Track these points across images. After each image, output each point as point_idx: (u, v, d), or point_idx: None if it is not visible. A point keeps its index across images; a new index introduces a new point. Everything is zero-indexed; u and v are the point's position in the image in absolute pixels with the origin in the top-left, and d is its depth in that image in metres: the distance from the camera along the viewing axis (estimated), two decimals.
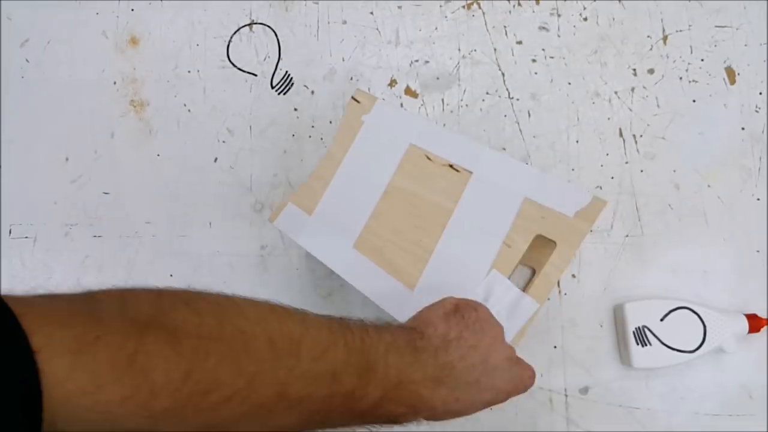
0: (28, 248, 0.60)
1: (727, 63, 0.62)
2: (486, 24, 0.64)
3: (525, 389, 0.36)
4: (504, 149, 0.61)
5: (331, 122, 0.62)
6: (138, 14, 0.65)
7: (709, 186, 0.59)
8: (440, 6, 0.64)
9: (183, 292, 0.25)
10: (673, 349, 0.53)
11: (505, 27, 0.64)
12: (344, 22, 0.64)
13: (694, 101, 0.61)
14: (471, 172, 0.44)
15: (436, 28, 0.64)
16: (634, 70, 0.62)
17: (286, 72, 0.63)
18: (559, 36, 0.63)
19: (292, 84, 0.63)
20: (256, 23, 0.64)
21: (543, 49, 0.63)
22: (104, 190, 0.61)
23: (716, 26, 0.63)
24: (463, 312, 0.35)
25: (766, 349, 0.56)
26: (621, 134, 0.61)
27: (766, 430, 0.54)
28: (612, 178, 0.60)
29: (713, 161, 0.60)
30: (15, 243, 0.60)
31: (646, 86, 0.62)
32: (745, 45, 0.62)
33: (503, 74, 0.62)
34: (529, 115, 0.61)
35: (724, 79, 0.62)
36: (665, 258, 0.58)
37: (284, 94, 0.63)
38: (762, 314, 0.55)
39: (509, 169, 0.43)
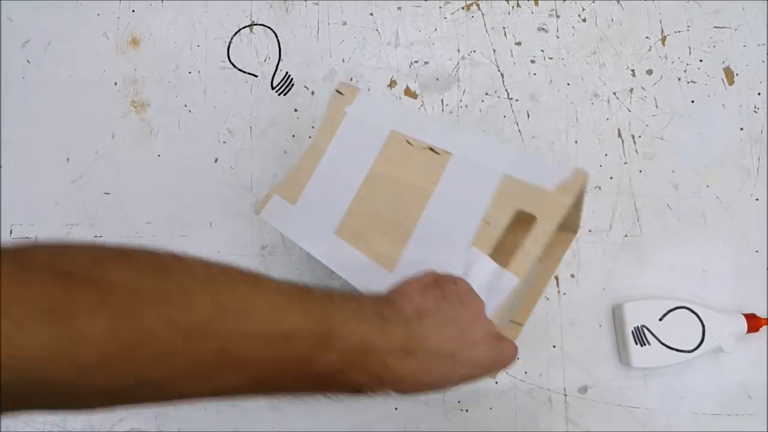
0: None
1: (726, 63, 0.62)
2: (485, 25, 0.64)
3: (506, 365, 0.35)
4: None
5: None
6: (139, 15, 0.65)
7: (707, 186, 0.59)
8: (440, 7, 0.64)
9: (126, 247, 0.24)
10: (672, 348, 0.53)
11: (504, 28, 0.64)
12: (344, 23, 0.64)
13: (692, 102, 0.61)
14: (450, 154, 0.43)
15: (436, 29, 0.64)
16: (633, 70, 0.62)
17: (287, 73, 0.63)
18: (557, 37, 0.63)
19: (293, 85, 0.63)
20: (256, 24, 0.65)
21: (542, 50, 0.63)
22: (105, 191, 0.62)
23: (715, 27, 0.63)
24: (442, 284, 0.34)
25: (765, 348, 0.56)
26: (620, 135, 0.61)
27: (765, 430, 0.54)
28: (611, 178, 0.60)
29: (712, 161, 0.60)
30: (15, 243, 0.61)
31: (645, 87, 0.62)
32: (744, 46, 0.62)
33: (502, 75, 0.63)
34: (528, 116, 0.62)
35: (722, 79, 0.62)
36: (664, 258, 0.58)
37: (284, 94, 0.63)
38: (761, 314, 0.55)
39: (489, 148, 0.42)
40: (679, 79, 0.62)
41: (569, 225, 0.51)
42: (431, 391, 0.31)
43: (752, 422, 0.55)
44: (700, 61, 0.62)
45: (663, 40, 0.63)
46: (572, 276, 0.58)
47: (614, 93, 0.62)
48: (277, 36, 0.64)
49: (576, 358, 0.56)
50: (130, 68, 0.64)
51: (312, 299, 0.27)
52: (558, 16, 0.64)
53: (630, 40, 0.63)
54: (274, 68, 0.64)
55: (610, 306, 0.57)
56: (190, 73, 0.64)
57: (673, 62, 0.62)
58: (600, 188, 0.60)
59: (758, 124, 0.61)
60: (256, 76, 0.64)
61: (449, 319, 0.32)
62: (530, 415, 0.55)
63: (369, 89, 0.63)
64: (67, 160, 0.62)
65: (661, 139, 0.61)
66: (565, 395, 0.56)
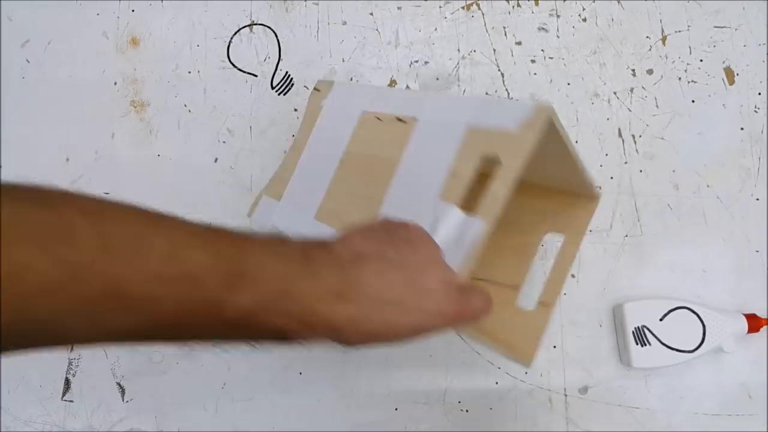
0: None
1: (726, 63, 0.62)
2: (485, 25, 0.64)
3: (474, 317, 0.32)
4: None
5: None
6: (138, 15, 0.65)
7: (708, 186, 0.59)
8: (440, 7, 0.64)
9: (9, 183, 0.23)
10: (673, 348, 0.53)
11: (504, 28, 0.64)
12: (344, 23, 0.64)
13: (693, 101, 0.61)
14: (416, 119, 0.42)
15: (436, 29, 0.64)
16: (633, 70, 0.62)
17: (286, 73, 0.63)
18: (558, 37, 0.63)
19: (292, 84, 0.63)
20: (256, 24, 0.65)
21: (542, 50, 0.63)
22: (105, 191, 0.61)
23: (715, 27, 0.63)
24: (390, 229, 0.32)
25: (765, 348, 0.56)
26: (620, 134, 0.61)
27: (765, 430, 0.54)
28: (611, 178, 0.60)
29: (712, 161, 0.60)
30: None
31: (645, 87, 0.62)
32: (744, 45, 0.62)
33: (502, 75, 0.63)
34: None
35: (723, 79, 0.62)
36: (664, 258, 0.58)
37: (284, 94, 0.63)
38: (761, 314, 0.55)
39: (453, 104, 0.41)
40: (680, 78, 0.62)
41: (577, 187, 0.47)
42: (378, 342, 0.29)
43: (752, 422, 0.55)
44: (701, 60, 0.62)
45: (663, 39, 0.63)
46: (573, 276, 0.58)
47: (615, 93, 0.62)
48: (277, 36, 0.64)
49: (576, 358, 0.56)
50: (130, 68, 0.64)
51: (223, 238, 0.26)
52: (558, 16, 0.64)
53: (630, 40, 0.63)
54: (274, 68, 0.64)
55: (611, 306, 0.57)
56: (189, 72, 0.64)
57: (673, 62, 0.62)
58: (600, 188, 0.59)
59: (759, 124, 0.61)
60: (255, 75, 0.63)
61: (395, 264, 0.29)
62: (530, 416, 0.55)
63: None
64: (67, 160, 0.62)
65: (662, 138, 0.61)
66: (566, 395, 0.56)
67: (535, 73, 0.62)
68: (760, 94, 0.61)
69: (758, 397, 0.55)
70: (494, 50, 0.63)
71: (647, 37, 0.63)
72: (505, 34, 0.64)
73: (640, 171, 0.60)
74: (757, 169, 0.60)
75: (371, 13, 0.64)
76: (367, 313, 0.27)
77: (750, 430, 0.55)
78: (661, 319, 0.54)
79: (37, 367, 0.57)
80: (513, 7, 0.64)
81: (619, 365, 0.56)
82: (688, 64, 0.62)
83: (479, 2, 0.64)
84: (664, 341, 0.53)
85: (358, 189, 0.44)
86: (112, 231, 0.23)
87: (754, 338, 0.55)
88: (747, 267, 0.58)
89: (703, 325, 0.54)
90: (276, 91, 0.63)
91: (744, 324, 0.54)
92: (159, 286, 0.23)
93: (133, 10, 0.65)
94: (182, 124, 0.63)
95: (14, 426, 0.57)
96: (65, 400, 0.57)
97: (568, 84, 0.62)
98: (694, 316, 0.54)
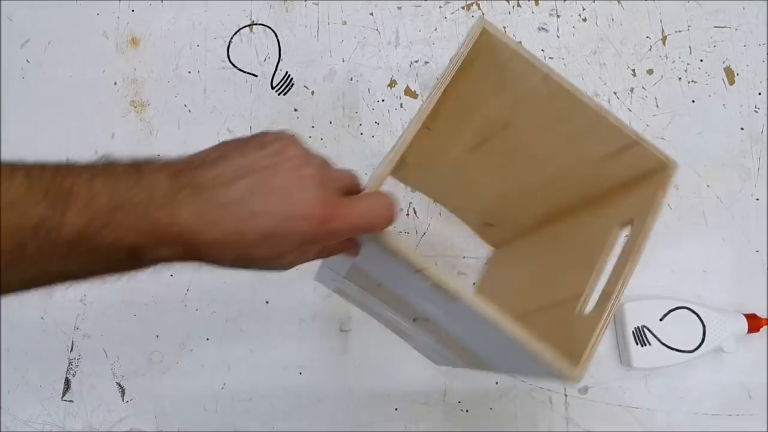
0: None
1: (726, 63, 0.62)
2: None
3: (360, 220, 0.28)
4: None
5: (331, 122, 0.62)
6: (138, 15, 0.65)
7: (708, 186, 0.59)
8: (440, 7, 0.64)
9: None
10: (673, 348, 0.53)
11: (504, 27, 0.64)
12: (344, 23, 0.64)
13: (693, 101, 0.61)
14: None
15: (436, 29, 0.64)
16: (633, 70, 0.62)
17: (286, 73, 0.63)
18: (558, 36, 0.63)
19: (292, 84, 0.63)
20: (256, 24, 0.65)
21: (542, 50, 0.63)
22: None
23: (715, 27, 0.63)
24: (254, 138, 0.29)
25: (765, 348, 0.56)
26: None
27: (765, 430, 0.54)
28: None
29: (712, 161, 0.60)
30: None
31: (646, 87, 0.62)
32: (744, 45, 0.62)
33: None
34: None
35: (723, 79, 0.62)
36: (664, 258, 0.58)
37: (284, 94, 0.63)
38: (761, 314, 0.55)
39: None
40: (680, 78, 0.62)
41: (639, 161, 0.38)
42: (237, 252, 0.27)
43: (752, 422, 0.55)
44: (701, 60, 0.62)
45: (663, 39, 0.63)
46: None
47: (615, 93, 0.62)
48: (277, 36, 0.64)
49: None
50: (130, 68, 0.64)
51: (40, 165, 0.25)
52: (558, 16, 0.64)
53: (630, 40, 0.63)
54: (274, 68, 0.64)
55: None
56: (189, 72, 0.64)
57: (673, 62, 0.62)
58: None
59: (759, 124, 0.61)
60: (255, 75, 0.63)
61: (239, 166, 0.27)
62: (530, 415, 0.55)
63: (369, 90, 0.62)
64: (67, 160, 0.62)
65: (662, 138, 0.61)
66: (566, 395, 0.56)
67: None
68: (760, 94, 0.61)
69: (758, 397, 0.55)
70: None
71: (647, 37, 0.63)
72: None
73: None
74: (757, 169, 0.60)
75: (371, 13, 0.64)
76: (211, 219, 0.25)
77: (750, 430, 0.55)
78: (661, 319, 0.54)
79: (37, 367, 0.57)
80: (513, 7, 0.64)
81: (619, 365, 0.56)
82: (688, 64, 0.62)
83: (479, 2, 0.64)
84: (664, 341, 0.53)
85: None
86: None
87: (754, 338, 0.55)
88: (747, 267, 0.58)
89: (703, 325, 0.54)
90: (276, 91, 0.63)
91: (744, 324, 0.54)
92: None
93: (133, 10, 0.65)
94: (182, 124, 0.63)
95: (14, 426, 0.57)
96: (65, 400, 0.57)
97: None
98: (694, 316, 0.54)
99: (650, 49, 0.63)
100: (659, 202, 0.35)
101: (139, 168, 0.26)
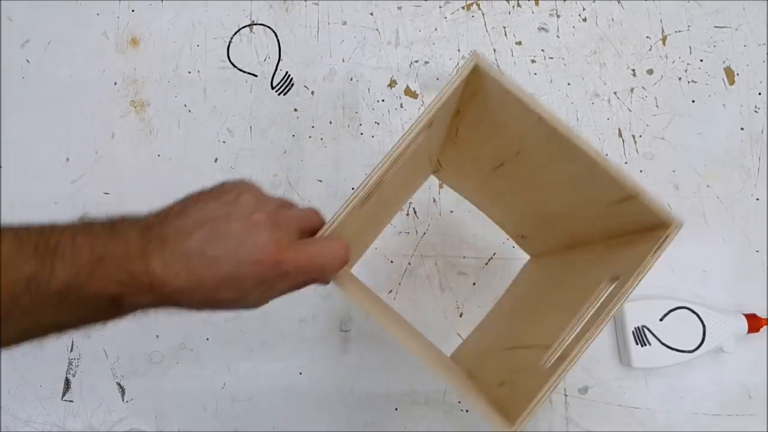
0: None
1: (726, 63, 0.62)
2: (485, 25, 0.64)
3: (310, 262, 0.30)
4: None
5: (331, 122, 0.62)
6: (138, 15, 0.65)
7: (708, 186, 0.59)
8: (440, 7, 0.64)
9: None
10: (673, 348, 0.53)
11: (504, 28, 0.64)
12: (344, 23, 0.64)
13: (693, 101, 0.61)
14: None
15: (436, 29, 0.64)
16: (633, 70, 0.62)
17: (286, 72, 0.63)
18: (558, 36, 0.63)
19: (292, 84, 0.63)
20: (256, 24, 0.65)
21: (542, 50, 0.63)
22: (105, 191, 0.61)
23: (715, 27, 0.63)
24: (215, 188, 0.32)
25: (765, 348, 0.56)
26: (620, 134, 0.61)
27: (765, 430, 0.54)
28: None
29: (712, 161, 0.60)
30: None
31: (646, 87, 0.62)
32: (744, 45, 0.62)
33: None
34: None
35: (723, 79, 0.62)
36: (664, 258, 0.57)
37: (284, 94, 0.63)
38: (761, 314, 0.55)
39: None
40: (680, 78, 0.62)
41: (640, 216, 0.36)
42: (204, 298, 0.29)
43: (752, 422, 0.55)
44: (701, 60, 0.62)
45: (663, 39, 0.63)
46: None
47: (615, 93, 0.62)
48: (277, 36, 0.64)
49: None
50: (130, 68, 0.64)
51: (26, 227, 0.27)
52: (558, 16, 0.64)
53: (630, 40, 0.63)
54: (274, 68, 0.64)
55: None
56: (189, 72, 0.64)
57: (673, 62, 0.62)
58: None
59: (759, 124, 0.61)
60: (255, 75, 0.63)
61: (197, 216, 0.29)
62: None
63: (369, 89, 0.62)
64: (67, 160, 0.62)
65: (662, 138, 0.61)
66: (566, 395, 0.56)
67: (535, 73, 0.62)
68: (760, 94, 0.61)
69: (758, 397, 0.55)
70: (494, 50, 0.63)
71: (647, 37, 0.63)
72: (505, 34, 0.64)
73: (640, 171, 0.60)
74: (757, 169, 0.60)
75: (371, 13, 0.64)
76: (175, 270, 0.28)
77: (750, 430, 0.55)
78: (661, 319, 0.54)
79: (37, 367, 0.57)
80: (513, 7, 0.64)
81: (619, 365, 0.56)
82: (688, 64, 0.62)
83: (479, 2, 0.64)
84: (664, 341, 0.53)
85: None
86: None
87: (754, 338, 0.55)
88: (747, 267, 0.58)
89: (703, 325, 0.54)
90: (276, 91, 0.63)
91: (744, 324, 0.54)
92: None
93: (133, 10, 0.65)
94: (182, 124, 0.63)
95: (14, 426, 0.57)
96: (65, 400, 0.57)
97: (568, 84, 0.62)
98: (694, 316, 0.54)
99: (650, 49, 0.63)
100: (646, 266, 0.33)
101: (114, 225, 0.29)
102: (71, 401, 0.57)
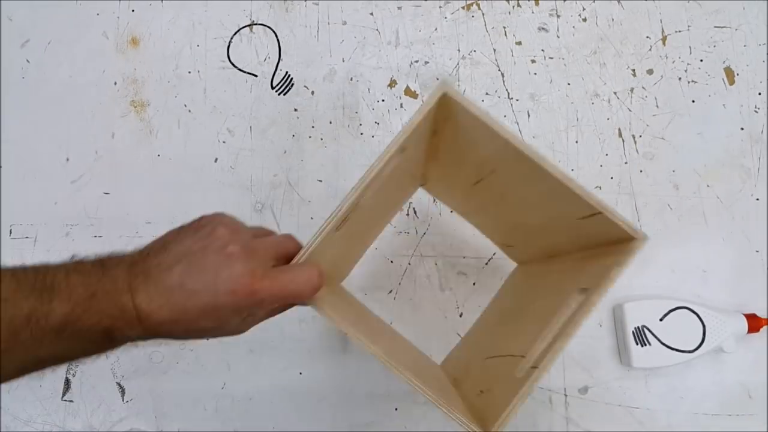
0: (28, 248, 0.60)
1: (727, 63, 0.62)
2: (485, 25, 0.64)
3: (284, 290, 0.32)
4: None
5: (331, 122, 0.62)
6: (138, 15, 0.65)
7: (708, 186, 0.59)
8: (440, 7, 0.64)
9: None
10: (673, 348, 0.53)
11: (504, 28, 0.64)
12: (344, 23, 0.64)
13: (693, 101, 0.61)
14: None
15: (436, 29, 0.64)
16: (634, 70, 0.62)
17: (286, 72, 0.63)
18: (558, 36, 0.63)
19: (292, 84, 0.63)
20: (256, 24, 0.65)
21: (542, 50, 0.63)
22: (105, 190, 0.61)
23: (715, 27, 0.63)
24: (195, 222, 0.33)
25: (765, 348, 0.56)
26: (620, 134, 0.61)
27: (765, 430, 0.54)
28: (611, 178, 0.60)
29: (712, 161, 0.60)
30: (15, 243, 0.60)
31: (646, 87, 0.62)
32: (744, 45, 0.62)
33: (503, 75, 0.63)
34: (529, 116, 0.61)
35: (723, 79, 0.62)
36: (664, 258, 0.58)
37: (284, 94, 0.63)
38: (761, 314, 0.55)
39: None
40: (680, 78, 0.62)
41: (608, 231, 0.37)
42: (182, 326, 0.30)
43: (752, 422, 0.55)
44: (701, 60, 0.62)
45: (663, 39, 0.63)
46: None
47: (615, 93, 0.62)
48: (277, 36, 0.64)
49: (576, 358, 0.56)
50: (130, 68, 0.64)
51: (22, 268, 0.29)
52: (558, 16, 0.64)
53: (630, 40, 0.63)
54: (274, 68, 0.64)
55: (611, 306, 0.57)
56: (189, 72, 0.64)
57: (673, 62, 0.62)
58: (600, 188, 0.60)
59: (759, 124, 0.61)
60: (255, 75, 0.63)
61: (176, 251, 0.31)
62: (530, 415, 0.55)
63: (369, 89, 0.62)
64: (67, 160, 0.62)
65: (662, 138, 0.61)
66: (566, 395, 0.56)
67: (535, 73, 0.62)
68: (760, 94, 0.61)
69: (758, 397, 0.55)
70: (494, 50, 0.63)
71: (647, 37, 0.63)
72: (505, 34, 0.64)
73: (640, 171, 0.60)
74: (757, 169, 0.60)
75: (371, 13, 0.64)
76: (159, 303, 0.29)
77: (750, 430, 0.55)
78: (661, 319, 0.54)
79: None
80: (513, 7, 0.64)
81: (619, 365, 0.56)
82: (688, 64, 0.62)
83: (479, 2, 0.64)
84: (664, 341, 0.53)
85: None
86: None
87: (754, 338, 0.55)
88: (747, 267, 0.58)
89: (703, 325, 0.54)
90: (276, 91, 0.63)
91: (744, 324, 0.54)
92: None
93: (133, 10, 0.65)
94: (182, 124, 0.63)
95: (14, 426, 0.57)
96: (65, 400, 0.57)
97: (568, 84, 0.62)
98: (694, 316, 0.54)
99: (650, 49, 0.63)
100: (611, 278, 0.34)
101: (103, 263, 0.31)
102: (71, 401, 0.57)
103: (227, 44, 0.64)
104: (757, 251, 0.58)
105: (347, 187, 0.59)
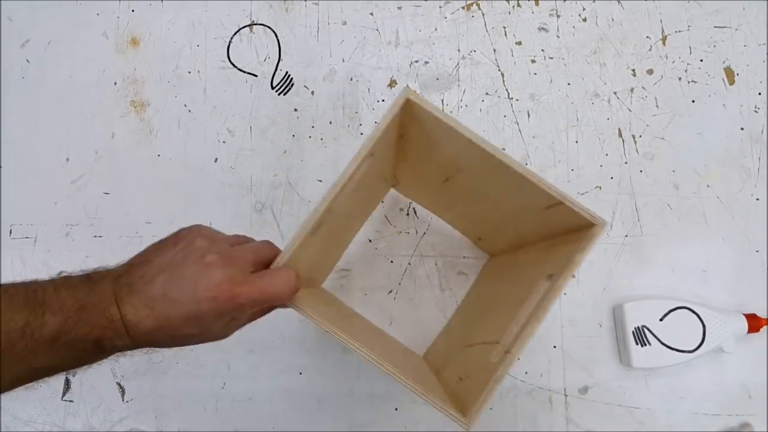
0: (28, 248, 0.60)
1: (726, 63, 0.62)
2: (485, 25, 0.64)
3: (263, 294, 0.33)
4: (503, 149, 0.61)
5: (331, 122, 0.62)
6: (138, 15, 0.65)
7: (708, 186, 0.59)
8: (440, 7, 0.64)
9: None
10: (673, 348, 0.53)
11: (504, 28, 0.64)
12: (344, 23, 0.64)
13: (693, 101, 0.61)
14: None
15: (436, 29, 0.64)
16: (634, 70, 0.62)
17: (286, 72, 0.63)
18: (558, 36, 0.63)
19: (292, 84, 0.63)
20: (256, 24, 0.65)
21: (542, 50, 0.63)
22: (105, 190, 0.61)
23: (715, 27, 0.63)
24: (174, 235, 0.35)
25: (765, 348, 0.56)
26: (620, 134, 0.61)
27: (765, 430, 0.54)
28: (611, 178, 0.60)
29: (712, 161, 0.60)
30: (15, 243, 0.61)
31: (646, 87, 0.62)
32: (744, 45, 0.62)
33: (503, 75, 0.63)
34: (529, 116, 0.61)
35: (723, 79, 0.62)
36: (664, 258, 0.58)
37: (284, 94, 0.63)
38: (761, 314, 0.55)
39: None
40: (680, 78, 0.62)
41: (572, 219, 0.39)
42: (167, 333, 0.32)
43: (753, 422, 0.55)
44: (701, 60, 0.62)
45: (663, 39, 0.63)
46: (573, 276, 0.58)
47: (615, 93, 0.62)
48: (277, 36, 0.64)
49: (576, 358, 0.56)
50: (130, 68, 0.64)
51: (12, 284, 0.31)
52: (558, 16, 0.64)
53: (630, 40, 0.63)
54: (274, 68, 0.64)
55: (611, 306, 0.57)
56: (189, 72, 0.64)
57: (673, 62, 0.62)
58: (600, 188, 0.60)
59: (759, 124, 0.61)
60: (255, 75, 0.63)
61: (158, 264, 0.33)
62: (531, 415, 0.55)
63: (369, 89, 0.62)
64: (67, 160, 0.62)
65: (662, 138, 0.61)
66: (566, 395, 0.56)
67: (535, 73, 0.62)
68: (760, 94, 0.61)
69: (758, 397, 0.55)
70: (494, 50, 0.63)
71: (647, 37, 0.63)
72: (505, 34, 0.64)
73: (640, 171, 0.60)
74: (757, 169, 0.60)
75: (371, 13, 0.64)
76: (145, 313, 0.31)
77: (750, 430, 0.55)
78: (661, 319, 0.54)
79: None
80: (513, 7, 0.64)
81: (619, 365, 0.56)
82: (688, 64, 0.62)
83: (479, 2, 0.64)
84: (664, 341, 0.53)
85: None
86: None
87: (754, 338, 0.55)
88: (747, 267, 0.58)
89: (703, 325, 0.54)
90: (276, 91, 0.63)
91: (744, 324, 0.54)
92: None
93: (133, 10, 0.65)
94: (182, 124, 0.63)
95: (14, 426, 0.57)
96: (65, 400, 0.57)
97: (568, 84, 0.62)
98: (694, 316, 0.54)
99: (650, 49, 0.63)
100: (575, 263, 0.36)
101: (89, 277, 0.32)
102: (71, 401, 0.57)
103: (227, 44, 0.64)
104: (757, 251, 0.58)
105: None
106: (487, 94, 0.62)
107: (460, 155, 0.40)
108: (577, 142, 0.61)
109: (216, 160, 0.62)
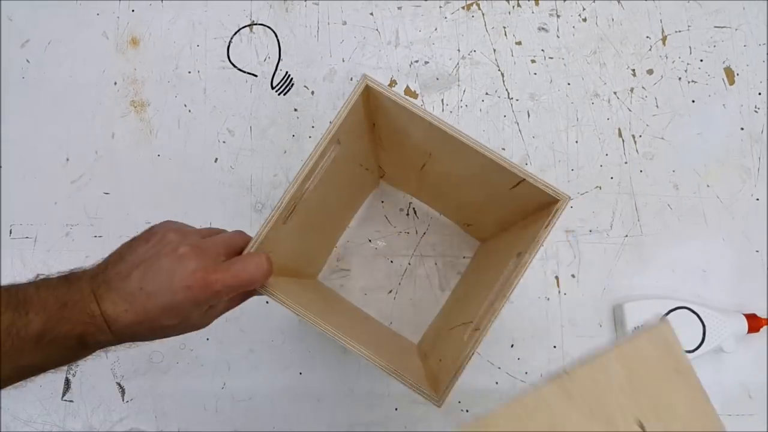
0: (28, 248, 0.60)
1: (726, 63, 0.62)
2: (485, 25, 0.64)
3: (237, 280, 0.34)
4: (503, 149, 0.61)
5: (331, 122, 0.62)
6: (138, 15, 0.65)
7: (708, 186, 0.59)
8: (440, 7, 0.64)
9: None
10: None
11: (504, 28, 0.64)
12: (344, 23, 0.64)
13: (693, 101, 0.61)
14: None
15: (436, 29, 0.64)
16: (633, 70, 0.62)
17: (287, 72, 0.63)
18: (558, 36, 0.63)
19: (292, 84, 0.63)
20: (256, 24, 0.65)
21: (542, 50, 0.63)
22: (105, 190, 0.61)
23: (715, 27, 0.63)
24: (145, 233, 0.36)
25: (765, 348, 0.56)
26: (620, 134, 0.61)
27: (765, 430, 0.54)
28: (611, 178, 0.60)
29: (712, 161, 0.60)
30: (15, 243, 0.61)
31: (645, 86, 0.62)
32: (744, 45, 0.62)
33: (503, 75, 0.63)
34: (529, 116, 0.61)
35: (723, 79, 0.62)
36: (664, 258, 0.58)
37: (284, 94, 0.63)
38: (761, 314, 0.55)
39: None
40: (680, 78, 0.62)
41: (538, 195, 0.39)
42: (147, 327, 0.33)
43: (753, 422, 0.55)
44: (701, 60, 0.62)
45: (663, 39, 0.63)
46: (573, 276, 0.58)
47: (615, 93, 0.62)
48: (277, 36, 0.64)
49: (576, 358, 0.56)
50: (130, 68, 0.64)
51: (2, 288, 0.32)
52: (558, 16, 0.64)
53: (630, 40, 0.63)
54: (274, 68, 0.64)
55: (611, 306, 0.57)
56: (189, 72, 0.64)
57: (673, 62, 0.62)
58: (600, 188, 0.60)
59: (759, 124, 0.61)
60: (255, 75, 0.63)
61: (132, 260, 0.34)
62: None
63: None
64: (67, 160, 0.62)
65: (662, 138, 0.61)
66: None
67: (535, 73, 0.62)
68: (760, 94, 0.61)
69: (758, 397, 0.55)
70: (494, 50, 0.63)
71: (647, 37, 0.63)
72: (505, 34, 0.64)
73: (640, 171, 0.60)
74: (757, 169, 0.60)
75: (371, 13, 0.64)
76: (123, 307, 0.32)
77: (750, 430, 0.55)
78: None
79: None
80: (513, 7, 0.64)
81: None
82: (688, 64, 0.62)
83: (479, 2, 0.64)
84: None
85: None
86: None
87: (754, 338, 0.55)
88: (747, 267, 0.58)
89: (703, 325, 0.54)
90: (276, 91, 0.63)
91: (744, 324, 0.54)
92: None
93: (133, 10, 0.65)
94: (182, 124, 0.63)
95: (14, 426, 0.57)
96: (65, 400, 0.57)
97: (568, 84, 0.62)
98: (694, 316, 0.54)
99: (650, 49, 0.63)
100: (539, 239, 0.36)
101: (67, 278, 0.33)
102: (71, 401, 0.57)
103: (227, 44, 0.64)
104: (757, 251, 0.58)
105: None
106: (487, 94, 0.62)
107: (426, 139, 0.40)
108: (577, 142, 0.61)
109: (216, 160, 0.62)
